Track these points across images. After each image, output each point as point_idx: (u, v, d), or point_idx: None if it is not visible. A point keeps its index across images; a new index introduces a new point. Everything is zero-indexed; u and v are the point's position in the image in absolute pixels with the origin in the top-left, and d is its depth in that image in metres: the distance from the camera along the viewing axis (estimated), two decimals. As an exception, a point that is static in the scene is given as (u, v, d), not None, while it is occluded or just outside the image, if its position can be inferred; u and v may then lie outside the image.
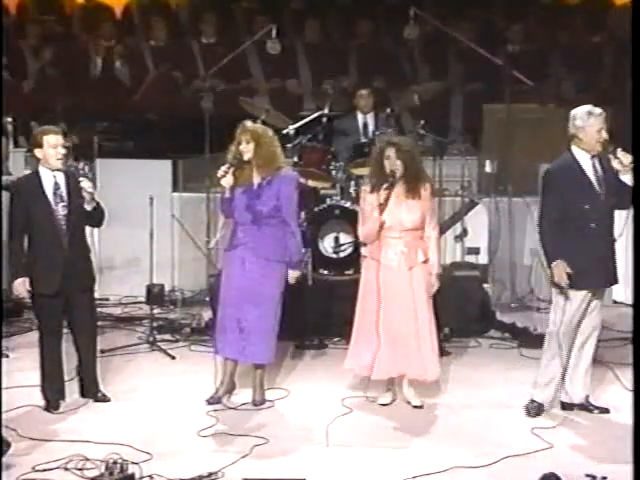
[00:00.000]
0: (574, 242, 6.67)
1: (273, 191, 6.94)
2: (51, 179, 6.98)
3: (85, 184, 6.94)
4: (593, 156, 6.75)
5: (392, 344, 6.97)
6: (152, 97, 11.84)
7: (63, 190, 6.98)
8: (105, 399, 7.23)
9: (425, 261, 7.05)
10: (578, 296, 6.74)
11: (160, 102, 11.71)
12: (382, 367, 7.00)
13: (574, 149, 6.78)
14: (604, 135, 6.71)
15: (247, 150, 6.93)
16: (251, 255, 7.00)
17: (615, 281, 6.94)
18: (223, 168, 6.95)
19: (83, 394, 7.24)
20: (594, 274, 6.73)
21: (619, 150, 6.67)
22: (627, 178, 6.71)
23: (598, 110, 6.74)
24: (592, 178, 6.74)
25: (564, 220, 6.68)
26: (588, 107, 6.75)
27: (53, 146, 6.94)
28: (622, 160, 6.63)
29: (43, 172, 6.99)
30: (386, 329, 6.97)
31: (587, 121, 6.69)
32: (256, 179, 6.99)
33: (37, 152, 6.99)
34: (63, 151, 6.99)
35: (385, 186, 6.90)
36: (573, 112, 6.79)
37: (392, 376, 7.13)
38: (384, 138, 7.35)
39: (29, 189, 6.99)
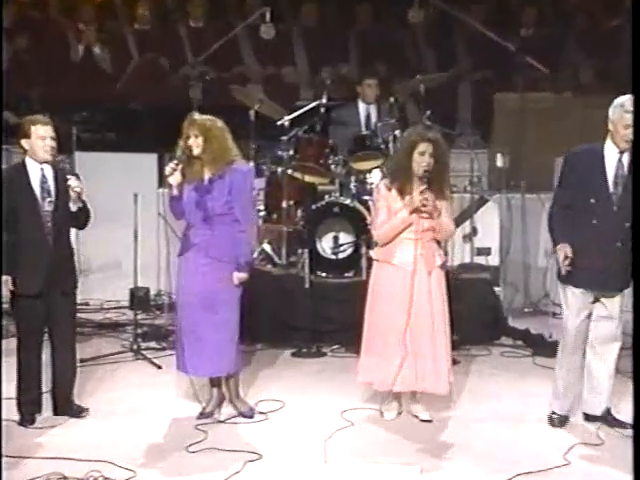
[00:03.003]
0: (575, 235, 6.65)
1: (225, 185, 6.86)
2: (38, 172, 6.96)
3: (72, 182, 6.90)
4: (621, 152, 6.64)
5: (414, 355, 6.93)
6: (136, 85, 11.85)
7: (51, 184, 6.96)
8: (81, 412, 7.16)
9: (441, 265, 7.04)
10: (577, 295, 6.75)
11: (145, 91, 11.71)
12: (406, 379, 6.94)
13: (607, 140, 6.68)
14: (630, 134, 6.54)
15: (196, 145, 6.86)
16: (202, 257, 6.91)
17: (619, 287, 6.74)
18: (171, 165, 6.87)
19: (56, 412, 7.14)
20: (591, 274, 6.65)
21: None
22: None
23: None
24: (609, 174, 6.65)
25: (571, 208, 6.68)
26: (625, 98, 6.56)
27: (41, 137, 6.93)
28: None
29: (30, 164, 6.97)
30: (410, 339, 6.92)
31: (617, 114, 6.57)
32: (207, 174, 6.92)
33: (24, 143, 6.97)
34: (52, 143, 6.97)
35: (422, 188, 6.84)
36: (615, 101, 6.63)
37: (414, 389, 7.09)
38: (417, 131, 7.12)
39: (15, 181, 6.95)
